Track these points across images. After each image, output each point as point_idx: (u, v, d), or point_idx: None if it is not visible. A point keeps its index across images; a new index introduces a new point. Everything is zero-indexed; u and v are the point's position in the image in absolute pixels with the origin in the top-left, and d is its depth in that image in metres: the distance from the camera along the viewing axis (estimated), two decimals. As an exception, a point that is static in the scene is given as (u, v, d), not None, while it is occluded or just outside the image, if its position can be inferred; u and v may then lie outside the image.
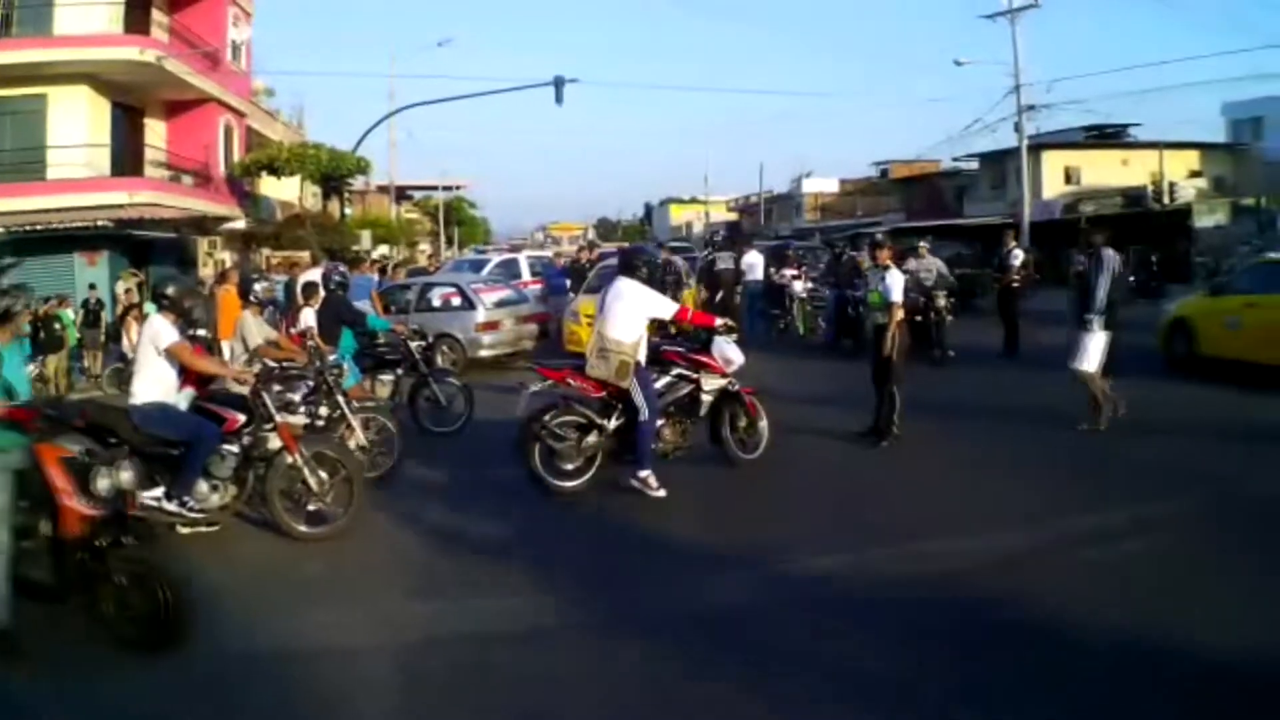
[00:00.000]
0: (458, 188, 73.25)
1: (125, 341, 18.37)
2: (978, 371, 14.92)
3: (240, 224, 32.42)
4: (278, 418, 7.50)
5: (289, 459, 7.45)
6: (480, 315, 17.31)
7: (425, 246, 62.67)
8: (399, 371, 11.77)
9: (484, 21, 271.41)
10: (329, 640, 5.67)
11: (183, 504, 7.01)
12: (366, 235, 40.35)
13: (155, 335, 7.30)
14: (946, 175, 55.83)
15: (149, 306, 8.20)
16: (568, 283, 23.48)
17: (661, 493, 8.34)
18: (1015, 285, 16.49)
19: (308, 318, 11.30)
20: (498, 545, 7.46)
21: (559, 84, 29.82)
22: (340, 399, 8.91)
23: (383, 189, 53.90)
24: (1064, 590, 5.97)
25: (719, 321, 9.35)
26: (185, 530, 7.27)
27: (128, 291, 21.31)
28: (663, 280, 8.96)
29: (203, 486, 7.21)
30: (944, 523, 7.46)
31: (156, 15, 27.99)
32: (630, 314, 8.51)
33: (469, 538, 7.68)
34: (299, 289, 12.56)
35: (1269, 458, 9.13)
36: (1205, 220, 32.57)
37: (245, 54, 33.62)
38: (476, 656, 5.38)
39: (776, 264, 21.39)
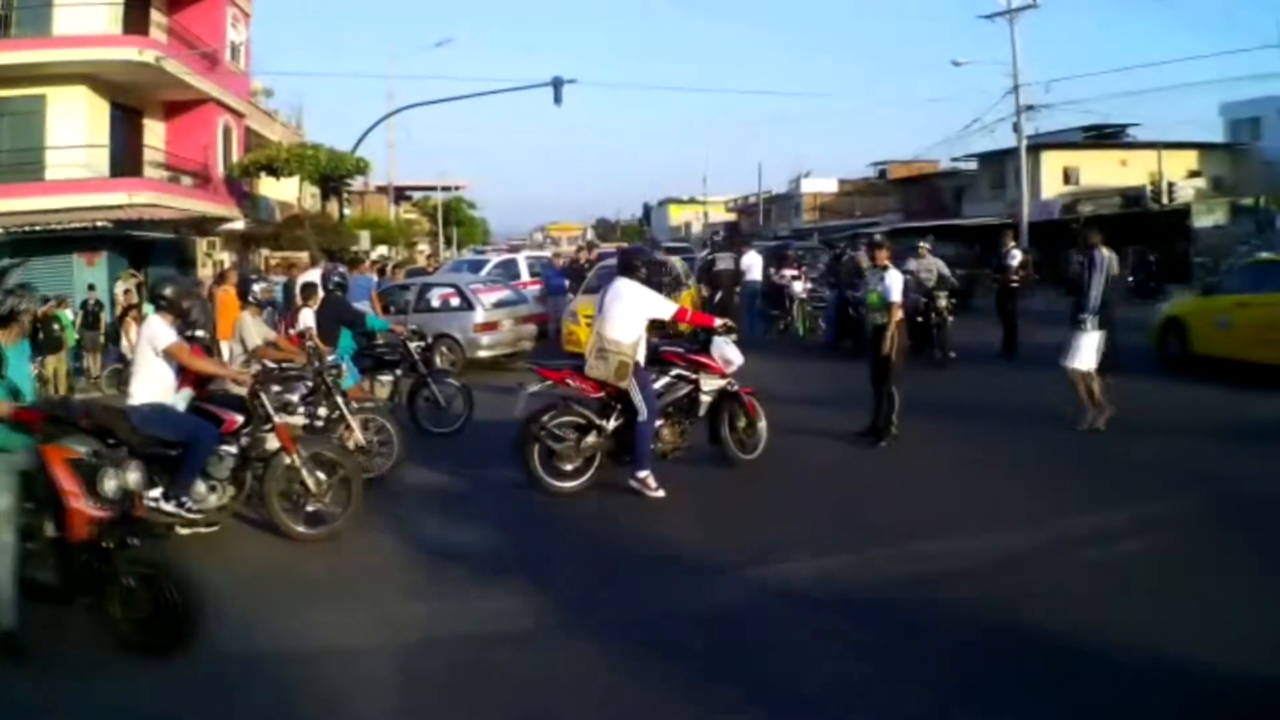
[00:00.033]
0: (456, 188, 73.24)
1: (124, 342, 18.37)
2: (976, 371, 14.92)
3: (239, 225, 32.40)
4: (276, 418, 7.49)
5: (287, 460, 7.45)
6: (479, 316, 17.31)
7: (424, 247, 62.67)
8: (398, 372, 11.76)
9: (483, 22, 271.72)
10: (328, 641, 5.67)
11: (180, 505, 7.00)
12: (365, 236, 40.33)
13: (153, 336, 7.29)
14: (945, 175, 55.86)
15: (148, 307, 8.19)
16: (566, 283, 23.51)
17: (660, 493, 8.34)
18: (1014, 285, 16.49)
19: (306, 318, 11.29)
20: (497, 546, 7.46)
21: (557, 84, 29.84)
22: (339, 400, 8.90)
23: (381, 189, 53.88)
24: (1064, 590, 5.98)
25: (718, 322, 9.36)
26: (184, 531, 7.26)
27: (127, 292, 21.28)
28: (658, 281, 8.95)
29: (201, 487, 7.20)
30: (943, 523, 7.46)
31: (155, 16, 27.97)
32: (629, 314, 8.51)
33: (468, 538, 7.68)
34: (298, 290, 12.56)
35: (1265, 457, 9.14)
36: (1204, 220, 32.59)
37: (244, 54, 33.61)
38: (476, 657, 5.37)
39: (776, 264, 21.39)
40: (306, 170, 31.55)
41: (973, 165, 50.53)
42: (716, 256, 21.64)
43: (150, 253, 25.68)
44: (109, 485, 5.37)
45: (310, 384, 8.58)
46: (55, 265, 23.07)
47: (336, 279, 12.27)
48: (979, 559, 6.64)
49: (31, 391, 5.71)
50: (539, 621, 5.86)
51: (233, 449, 7.44)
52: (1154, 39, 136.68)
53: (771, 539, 7.29)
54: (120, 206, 23.93)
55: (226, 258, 30.98)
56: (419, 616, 6.02)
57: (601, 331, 8.53)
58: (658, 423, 8.64)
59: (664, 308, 8.89)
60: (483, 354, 17.06)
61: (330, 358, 9.48)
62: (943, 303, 15.79)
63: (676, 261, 22.73)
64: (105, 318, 21.18)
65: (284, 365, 8.99)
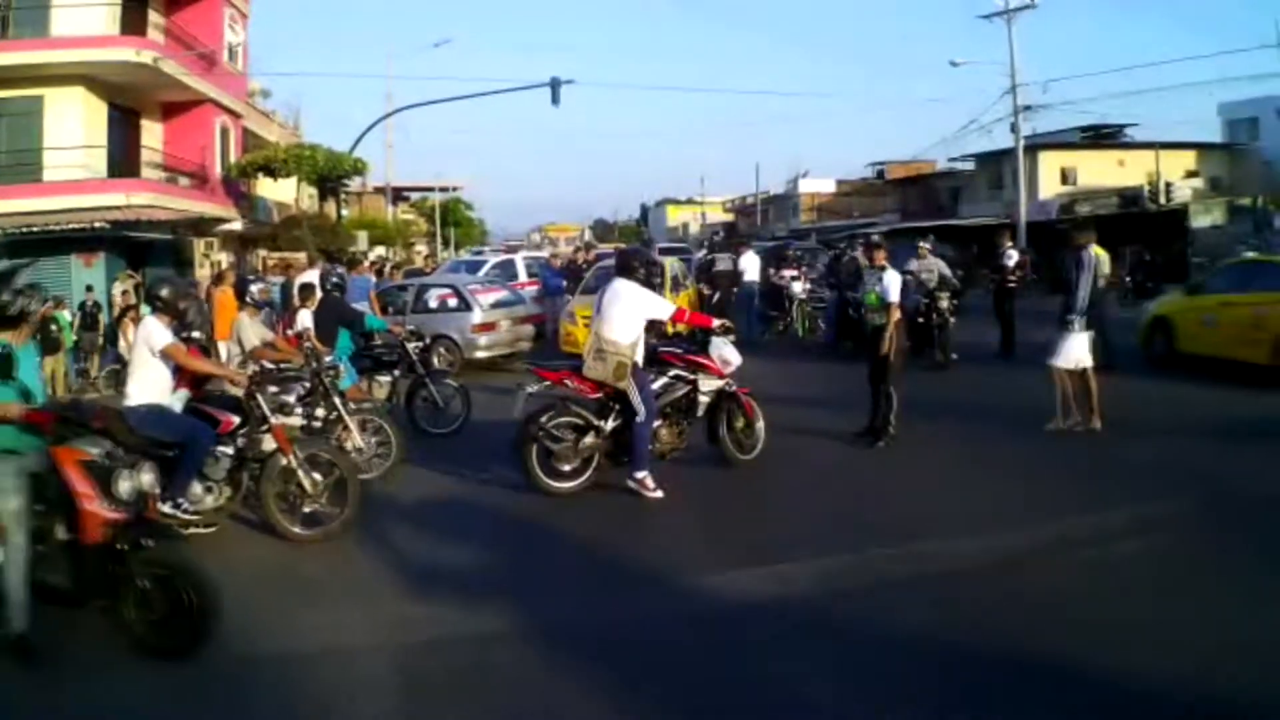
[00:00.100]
0: (454, 189, 73.26)
1: (122, 343, 18.35)
2: (974, 371, 14.93)
3: (237, 225, 32.38)
4: (272, 419, 7.49)
5: (283, 461, 7.44)
6: (477, 316, 17.31)
7: (422, 248, 62.68)
8: (396, 373, 11.76)
9: (481, 23, 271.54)
10: (326, 641, 5.66)
11: (177, 506, 6.99)
12: (363, 236, 40.32)
13: (149, 336, 7.28)
14: (943, 176, 55.91)
15: (145, 308, 8.17)
16: (564, 284, 23.52)
17: (658, 494, 8.34)
18: (1011, 286, 16.49)
19: (304, 319, 11.30)
20: (495, 546, 7.45)
21: (555, 85, 29.82)
22: (337, 400, 8.90)
23: (379, 190, 53.86)
24: (1063, 590, 5.98)
25: (717, 323, 9.36)
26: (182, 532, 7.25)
27: (125, 293, 21.25)
28: (649, 281, 8.95)
29: (197, 488, 7.20)
30: (942, 522, 7.46)
31: (153, 16, 27.94)
32: (627, 315, 8.51)
33: (466, 539, 7.67)
34: (295, 290, 12.56)
35: (1257, 456, 9.16)
36: (1202, 220, 32.65)
37: (242, 55, 33.60)
38: (474, 657, 5.37)
39: (776, 265, 21.38)
40: (304, 171, 31.56)
41: (970, 166, 50.60)
42: (715, 257, 21.66)
43: (148, 253, 25.65)
44: (123, 487, 5.35)
45: (308, 385, 8.58)
46: (53, 266, 23.03)
47: (335, 279, 12.29)
48: (978, 559, 6.63)
49: (42, 393, 5.69)
50: (537, 622, 5.85)
51: (229, 450, 7.44)
52: (1152, 39, 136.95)
53: (770, 539, 7.30)
54: (118, 207, 23.90)
55: (224, 258, 30.94)
56: (417, 617, 6.01)
57: (600, 332, 8.53)
58: (656, 423, 8.64)
59: (662, 308, 8.89)
60: (480, 354, 17.06)
61: (328, 358, 9.47)
62: (944, 304, 15.59)
63: (674, 262, 22.73)
64: (103, 319, 21.16)
65: (281, 366, 8.99)
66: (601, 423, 8.57)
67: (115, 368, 17.76)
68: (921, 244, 16.80)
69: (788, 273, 20.89)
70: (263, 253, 35.61)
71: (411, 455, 9.71)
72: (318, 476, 7.52)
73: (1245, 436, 9.86)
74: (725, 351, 9.19)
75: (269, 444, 7.54)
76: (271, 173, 31.43)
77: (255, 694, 5.05)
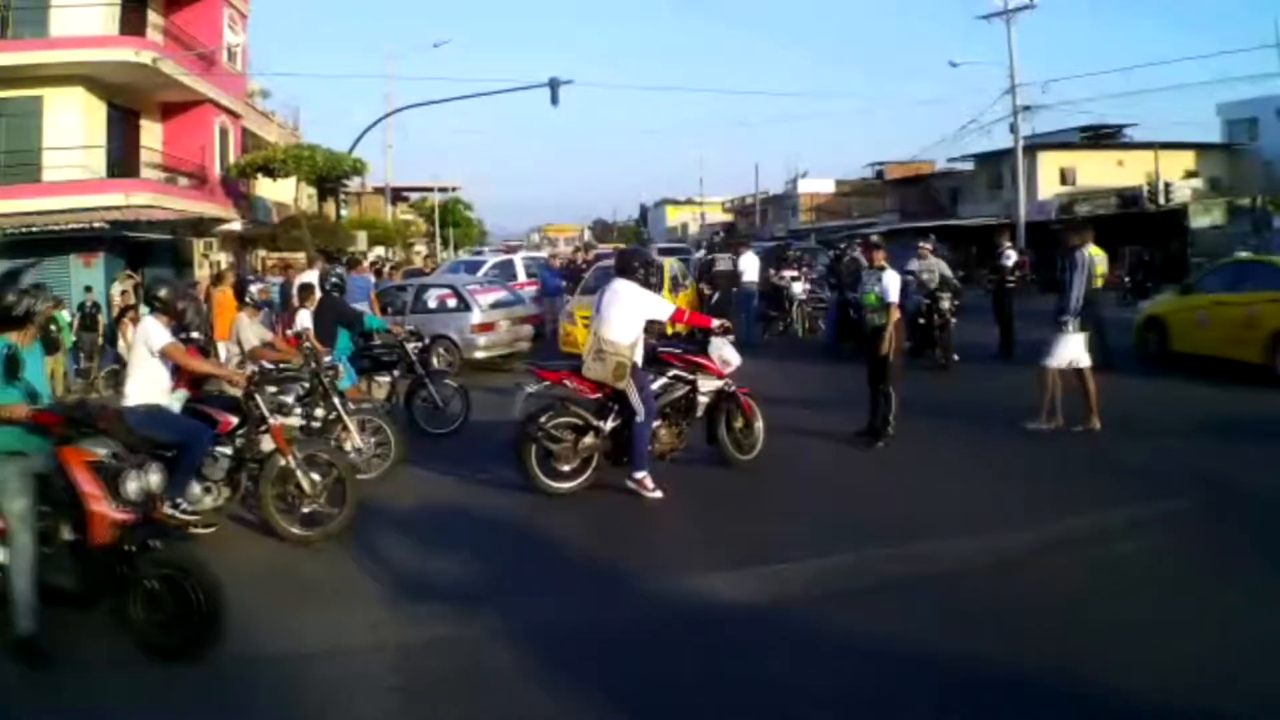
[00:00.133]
0: (453, 189, 73.31)
1: (121, 343, 18.32)
2: (973, 371, 14.93)
3: (236, 225, 32.37)
4: (271, 419, 7.49)
5: (282, 461, 7.44)
6: (476, 317, 17.31)
7: (421, 248, 62.68)
8: (395, 373, 11.78)
9: (480, 23, 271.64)
10: (325, 641, 5.66)
11: (175, 506, 6.99)
12: (362, 236, 40.30)
13: (148, 337, 7.28)
14: (942, 176, 55.89)
15: (144, 308, 8.16)
16: (563, 284, 23.52)
17: (658, 494, 8.35)
18: (1010, 286, 16.48)
19: (303, 319, 11.31)
20: (494, 547, 7.45)
21: (554, 85, 29.79)
22: (336, 401, 8.90)
23: (378, 190, 53.87)
24: (1063, 591, 5.98)
25: (716, 323, 9.36)
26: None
27: (124, 293, 21.23)
28: (648, 281, 8.96)
29: (196, 489, 7.20)
30: (941, 522, 7.46)
31: (152, 17, 27.93)
32: (627, 315, 8.51)
33: (465, 539, 7.67)
34: (295, 290, 12.57)
35: (1254, 454, 9.18)
36: (1201, 220, 32.68)
37: (241, 56, 33.59)
38: (473, 657, 5.38)
39: (776, 265, 21.36)
40: (303, 171, 31.55)
41: (969, 166, 50.56)
42: (715, 257, 21.66)
43: (147, 254, 25.64)
44: (131, 487, 5.34)
45: (307, 385, 8.58)
46: (52, 266, 22.99)
47: (334, 279, 12.30)
48: (977, 559, 6.63)
49: (48, 393, 5.67)
50: (536, 622, 5.85)
51: (227, 450, 7.44)
52: (1151, 39, 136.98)
53: (769, 539, 7.29)
54: (117, 207, 23.89)
55: (223, 259, 30.94)
56: (416, 617, 6.01)
57: (599, 333, 8.54)
58: (655, 423, 8.65)
59: (661, 309, 8.90)
60: (480, 355, 17.06)
61: (327, 359, 9.48)
62: (946, 304, 15.40)
63: (673, 262, 22.74)
64: (102, 319, 21.14)
65: (281, 366, 8.99)
66: (601, 423, 8.57)
67: (114, 368, 17.72)
68: (922, 244, 16.69)
69: (788, 273, 20.86)
70: (262, 253, 35.61)
71: (411, 455, 9.70)
72: (316, 477, 7.52)
73: (1242, 435, 9.89)
74: (725, 352, 9.19)
75: (267, 444, 7.54)
76: (271, 173, 31.42)
77: (254, 694, 5.05)
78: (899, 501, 8.27)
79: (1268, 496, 7.78)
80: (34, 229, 22.27)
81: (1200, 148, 45.19)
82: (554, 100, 29.83)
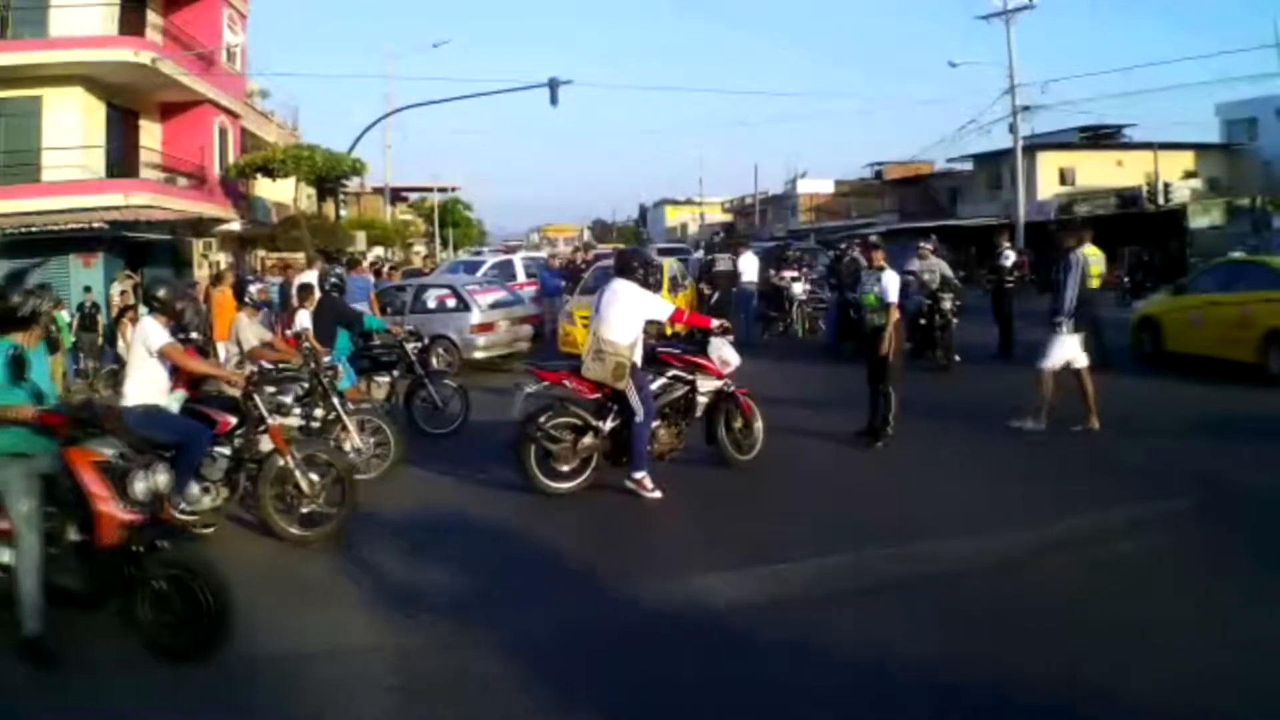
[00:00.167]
0: (452, 189, 73.27)
1: (121, 343, 18.31)
2: (973, 372, 14.92)
3: (235, 226, 32.36)
4: (269, 420, 7.49)
5: (281, 461, 7.43)
6: (475, 317, 17.31)
7: (420, 248, 62.68)
8: (395, 373, 11.77)
9: (480, 23, 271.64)
10: (324, 642, 5.66)
11: (173, 506, 6.99)
12: (361, 236, 40.29)
13: (146, 337, 7.27)
14: (941, 176, 55.91)
15: (143, 309, 8.16)
16: (562, 284, 23.51)
17: (657, 494, 8.35)
18: (1009, 286, 16.48)
19: (303, 319, 11.31)
20: (493, 547, 7.44)
21: (553, 85, 29.77)
22: (335, 401, 8.89)
23: (378, 190, 53.86)
24: (1063, 591, 5.99)
25: (715, 323, 9.35)
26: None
27: (123, 293, 21.21)
28: (648, 281, 8.96)
29: (194, 489, 7.19)
30: (940, 522, 7.46)
31: (151, 17, 27.92)
32: (626, 315, 8.51)
33: (464, 540, 7.67)
34: (294, 290, 12.57)
35: (1253, 454, 9.20)
36: (1200, 220, 32.70)
37: (240, 56, 33.57)
38: (471, 657, 5.37)
39: (776, 265, 21.33)
40: (303, 171, 31.55)
41: (969, 166, 50.59)
42: (715, 257, 21.67)
43: (147, 254, 25.63)
44: (139, 488, 5.32)
45: (306, 385, 8.58)
46: (52, 267, 22.98)
47: (334, 280, 12.30)
48: (977, 559, 6.63)
49: (53, 394, 5.65)
50: (535, 623, 5.85)
51: (226, 450, 7.44)
52: (1150, 40, 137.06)
53: (768, 539, 7.29)
54: (116, 207, 23.88)
55: (223, 259, 30.93)
56: (414, 618, 6.00)
57: (598, 333, 8.53)
58: (654, 424, 8.65)
59: (661, 309, 8.90)
60: (479, 355, 17.06)
61: (327, 359, 9.48)
62: (947, 305, 15.28)
63: (673, 262, 22.75)
64: (102, 319, 21.13)
65: (280, 366, 8.99)
66: (600, 423, 8.57)
67: (114, 368, 17.72)
68: (923, 244, 16.63)
69: (788, 273, 20.83)
70: (261, 253, 35.61)
71: (410, 456, 9.70)
72: (315, 477, 7.51)
73: (1238, 434, 9.93)
74: (724, 352, 9.19)
75: (266, 444, 7.53)
76: (270, 173, 31.41)
77: (253, 694, 5.05)
78: (899, 502, 8.27)
79: (1265, 496, 7.80)
80: (33, 229, 22.26)
81: (1199, 148, 45.23)
82: (553, 100, 29.82)
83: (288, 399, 7.93)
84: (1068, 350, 10.20)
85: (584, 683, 5.04)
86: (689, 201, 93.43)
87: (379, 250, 46.38)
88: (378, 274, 23.13)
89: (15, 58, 23.51)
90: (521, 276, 25.10)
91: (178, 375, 7.46)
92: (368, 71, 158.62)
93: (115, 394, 8.93)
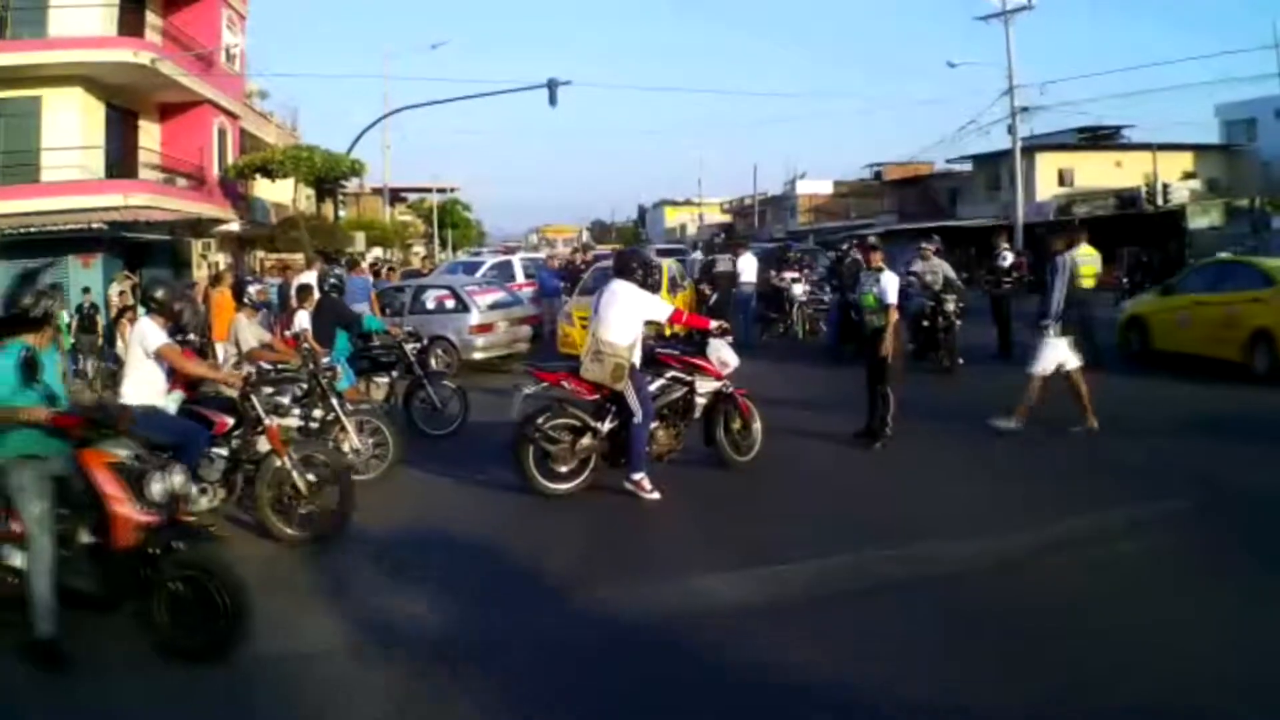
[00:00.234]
0: (451, 190, 73.24)
1: (120, 344, 18.30)
2: (973, 373, 14.88)
3: (234, 226, 32.34)
4: (267, 420, 7.48)
5: (278, 462, 7.42)
6: (474, 318, 17.30)
7: (419, 248, 62.65)
8: (394, 374, 11.77)
9: (479, 24, 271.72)
10: (322, 643, 5.65)
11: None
12: (360, 237, 40.27)
13: (144, 337, 7.27)
14: (940, 177, 55.95)
15: (142, 309, 8.18)
16: (561, 285, 23.50)
17: (655, 495, 8.34)
18: (1007, 286, 16.47)
19: (302, 320, 11.30)
20: (492, 548, 7.42)
21: (552, 86, 29.77)
22: (334, 402, 8.88)
23: (377, 191, 53.82)
24: (1062, 591, 5.98)
25: (714, 324, 9.35)
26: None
27: (122, 294, 21.21)
28: (647, 282, 8.96)
29: (191, 490, 7.18)
30: (939, 524, 7.45)
31: (151, 18, 27.90)
32: (625, 316, 8.50)
33: (463, 541, 7.65)
34: (293, 291, 12.56)
35: (1249, 453, 9.23)
36: (1199, 221, 32.71)
37: (239, 56, 33.55)
38: (470, 658, 5.36)
39: (777, 266, 21.31)
40: (302, 172, 31.55)
41: (968, 167, 50.64)
42: (716, 258, 21.67)
43: (146, 254, 25.62)
44: (156, 489, 5.30)
45: (305, 386, 8.57)
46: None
47: (333, 280, 12.29)
48: (976, 560, 6.62)
49: (66, 395, 5.61)
50: (533, 623, 5.84)
51: (223, 451, 7.44)
52: (1149, 40, 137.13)
53: (767, 540, 7.28)
54: (116, 208, 23.86)
55: (222, 259, 30.93)
56: (413, 619, 5.99)
57: (597, 334, 8.52)
58: (653, 425, 8.64)
59: (660, 310, 8.89)
60: (478, 356, 17.05)
61: (325, 359, 9.47)
62: (950, 306, 15.12)
63: (672, 263, 22.74)
64: (101, 320, 21.11)
65: (279, 367, 8.98)
66: (598, 424, 8.57)
67: (113, 368, 17.72)
68: (924, 245, 16.52)
69: (789, 274, 20.79)
70: (260, 254, 35.60)
71: (409, 456, 9.69)
72: (312, 478, 7.50)
73: (1230, 434, 10.01)
74: (723, 353, 9.19)
75: (264, 445, 7.53)
76: (269, 174, 31.41)
77: (253, 694, 5.04)
78: (898, 502, 8.26)
79: (1262, 495, 7.81)
80: (32, 230, 22.24)
81: (1198, 149, 45.27)
82: (552, 101, 29.82)
83: (285, 400, 7.93)
84: (1058, 353, 10.19)
85: (583, 682, 5.04)
86: (688, 202, 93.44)
87: (378, 251, 46.39)
88: (376, 274, 23.13)
89: (14, 58, 23.49)
90: (520, 277, 25.10)
91: (175, 376, 7.46)
92: (367, 72, 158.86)
93: (113, 395, 8.92)
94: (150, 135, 29.06)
